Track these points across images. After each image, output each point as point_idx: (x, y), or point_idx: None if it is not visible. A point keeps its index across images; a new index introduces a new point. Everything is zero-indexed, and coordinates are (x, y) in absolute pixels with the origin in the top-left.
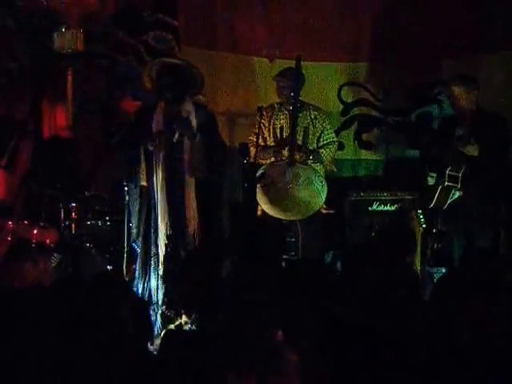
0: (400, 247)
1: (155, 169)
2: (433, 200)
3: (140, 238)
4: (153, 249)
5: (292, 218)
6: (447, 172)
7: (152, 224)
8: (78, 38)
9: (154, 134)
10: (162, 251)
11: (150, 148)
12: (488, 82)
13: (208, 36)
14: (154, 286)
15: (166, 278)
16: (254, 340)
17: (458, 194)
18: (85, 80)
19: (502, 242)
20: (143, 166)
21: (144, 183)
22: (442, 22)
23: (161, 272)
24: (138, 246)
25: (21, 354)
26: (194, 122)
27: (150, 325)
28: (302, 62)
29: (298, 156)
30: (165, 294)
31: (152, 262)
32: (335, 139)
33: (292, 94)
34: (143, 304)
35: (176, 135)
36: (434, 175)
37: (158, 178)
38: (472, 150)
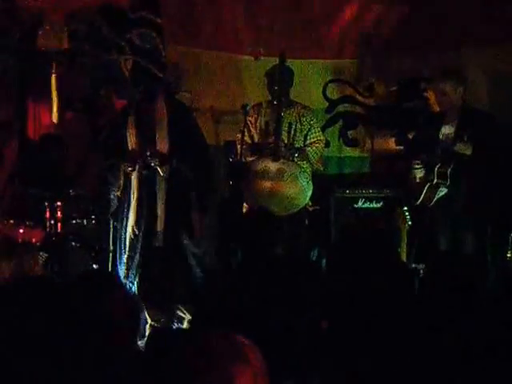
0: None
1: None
2: (420, 197)
3: (119, 236)
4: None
5: (277, 214)
6: (436, 169)
7: (125, 221)
8: (62, 36)
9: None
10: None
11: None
12: (474, 79)
13: (192, 33)
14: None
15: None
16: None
17: (445, 191)
18: (69, 78)
19: (488, 240)
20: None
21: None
22: (428, 18)
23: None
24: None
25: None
26: (165, 120)
27: (140, 321)
28: (287, 60)
29: (283, 152)
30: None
31: (124, 260)
32: (322, 138)
33: (276, 88)
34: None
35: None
36: (422, 166)
37: (133, 177)
38: (464, 149)
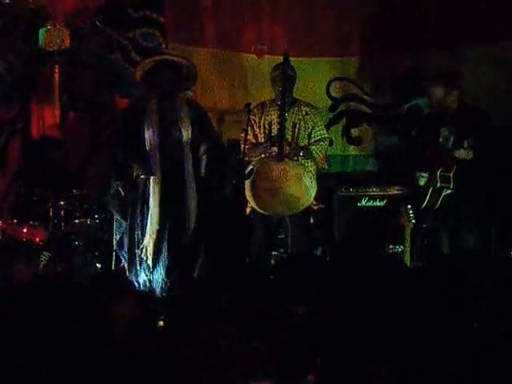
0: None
1: (152, 162)
2: (425, 200)
3: (126, 233)
4: (140, 242)
5: (281, 214)
6: (438, 173)
7: (139, 217)
8: (64, 35)
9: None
10: (151, 244)
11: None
12: (475, 77)
13: (195, 32)
14: (143, 280)
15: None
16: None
17: (449, 191)
18: (72, 78)
19: (493, 241)
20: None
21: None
22: (430, 16)
23: (149, 264)
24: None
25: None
26: (188, 120)
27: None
28: (290, 58)
29: (287, 152)
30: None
31: (137, 256)
32: (326, 136)
33: (280, 89)
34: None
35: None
36: (426, 175)
37: (156, 169)
38: (465, 154)
